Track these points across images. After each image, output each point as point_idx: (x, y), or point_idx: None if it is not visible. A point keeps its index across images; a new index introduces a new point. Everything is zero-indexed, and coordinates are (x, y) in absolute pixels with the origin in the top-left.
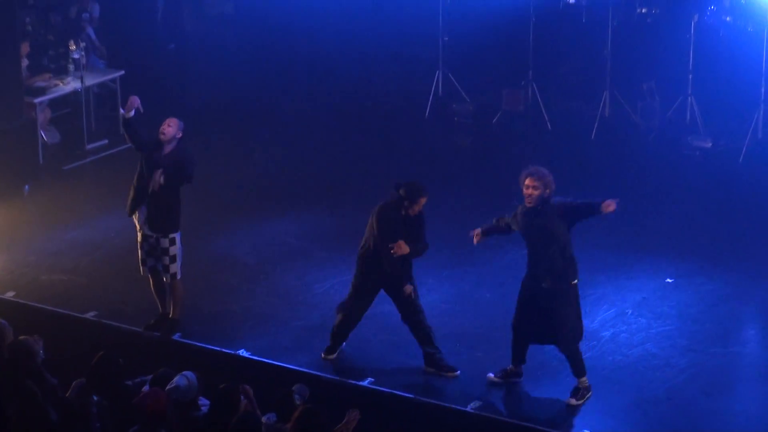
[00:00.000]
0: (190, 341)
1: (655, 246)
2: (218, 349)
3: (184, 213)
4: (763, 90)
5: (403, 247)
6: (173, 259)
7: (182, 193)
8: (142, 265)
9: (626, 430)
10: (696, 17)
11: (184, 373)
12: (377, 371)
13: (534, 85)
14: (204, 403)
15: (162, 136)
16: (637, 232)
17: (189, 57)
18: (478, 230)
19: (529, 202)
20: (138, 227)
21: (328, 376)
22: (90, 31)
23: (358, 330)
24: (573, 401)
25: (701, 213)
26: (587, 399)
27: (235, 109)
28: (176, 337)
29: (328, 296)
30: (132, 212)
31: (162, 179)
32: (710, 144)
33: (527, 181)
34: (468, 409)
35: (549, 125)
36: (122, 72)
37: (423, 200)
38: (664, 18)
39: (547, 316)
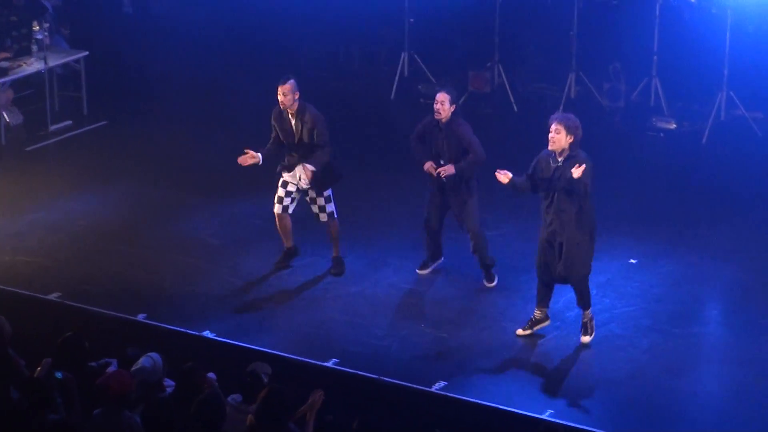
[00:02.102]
0: (155, 322)
1: (619, 227)
2: (183, 330)
3: (147, 193)
4: (726, 72)
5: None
6: (329, 199)
7: (148, 175)
8: (278, 203)
9: (589, 410)
10: None
11: (149, 354)
12: (341, 352)
13: (500, 67)
14: (169, 384)
15: (282, 105)
16: (601, 214)
17: (154, 37)
18: (509, 175)
19: (552, 147)
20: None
21: (293, 356)
22: (53, 11)
23: (323, 311)
24: (586, 339)
25: (665, 194)
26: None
27: (201, 88)
28: (141, 317)
29: (293, 277)
30: (290, 169)
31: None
32: (674, 125)
33: (552, 127)
34: (433, 389)
35: (515, 107)
36: (86, 53)
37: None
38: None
39: (562, 255)
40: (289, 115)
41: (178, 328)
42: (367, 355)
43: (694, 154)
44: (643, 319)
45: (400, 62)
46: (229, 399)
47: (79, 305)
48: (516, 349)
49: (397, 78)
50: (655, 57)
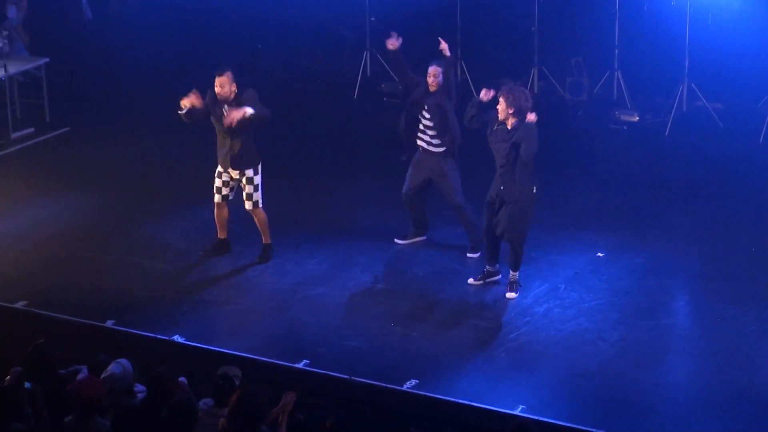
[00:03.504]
0: (124, 328)
1: (586, 221)
2: (153, 335)
3: (113, 200)
4: (687, 63)
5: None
6: (257, 188)
7: (113, 181)
8: (217, 193)
9: (560, 404)
10: None
11: (118, 360)
12: (312, 353)
13: (463, 63)
14: (140, 389)
15: (219, 97)
16: (567, 208)
17: (115, 42)
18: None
19: (499, 118)
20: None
21: (264, 359)
22: (13, 18)
23: (292, 313)
24: (511, 295)
25: (630, 187)
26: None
27: (163, 92)
28: (109, 324)
29: (262, 280)
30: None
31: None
32: (637, 118)
33: (500, 98)
34: (404, 388)
35: None
36: (47, 59)
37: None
38: None
39: (504, 212)
40: (225, 106)
41: (148, 334)
42: (338, 356)
43: (657, 146)
44: (611, 312)
45: (363, 61)
46: (200, 403)
47: (47, 313)
48: (486, 345)
49: (359, 77)
50: (616, 50)
